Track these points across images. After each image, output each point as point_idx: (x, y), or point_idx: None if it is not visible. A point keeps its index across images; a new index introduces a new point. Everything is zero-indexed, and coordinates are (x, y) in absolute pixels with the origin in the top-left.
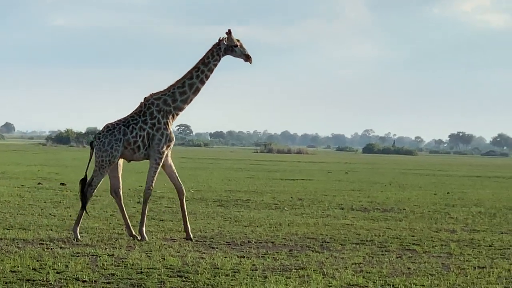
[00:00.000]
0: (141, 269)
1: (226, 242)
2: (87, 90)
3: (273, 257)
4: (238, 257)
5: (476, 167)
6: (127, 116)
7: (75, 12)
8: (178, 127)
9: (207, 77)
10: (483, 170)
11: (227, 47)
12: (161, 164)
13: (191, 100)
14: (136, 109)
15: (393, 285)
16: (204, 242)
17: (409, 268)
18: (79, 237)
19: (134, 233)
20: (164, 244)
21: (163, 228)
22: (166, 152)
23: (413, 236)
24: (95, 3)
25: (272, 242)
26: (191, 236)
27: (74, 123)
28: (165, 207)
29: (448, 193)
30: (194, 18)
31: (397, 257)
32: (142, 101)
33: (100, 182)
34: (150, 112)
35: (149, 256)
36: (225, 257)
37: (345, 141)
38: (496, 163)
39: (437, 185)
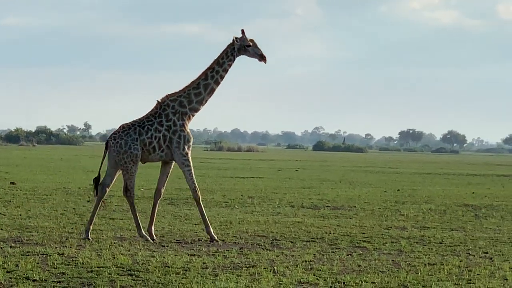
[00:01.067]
0: (91, 267)
1: (177, 240)
2: (36, 89)
3: (224, 255)
4: (188, 255)
5: (426, 164)
6: (143, 117)
7: (23, 10)
8: None
9: (222, 78)
10: (433, 167)
11: (241, 47)
12: (191, 164)
13: (207, 101)
14: (151, 110)
15: (343, 283)
16: (155, 241)
17: (359, 266)
18: (146, 237)
19: (144, 233)
20: (114, 243)
21: (113, 226)
22: (189, 152)
23: (363, 233)
24: (42, 2)
25: (223, 240)
26: (154, 236)
27: (23, 122)
28: (116, 205)
29: (398, 190)
30: (144, 17)
31: (348, 255)
32: (158, 102)
33: (134, 181)
34: (165, 114)
35: (99, 254)
36: (175, 256)
37: (295, 138)
38: (446, 160)
39: (387, 182)
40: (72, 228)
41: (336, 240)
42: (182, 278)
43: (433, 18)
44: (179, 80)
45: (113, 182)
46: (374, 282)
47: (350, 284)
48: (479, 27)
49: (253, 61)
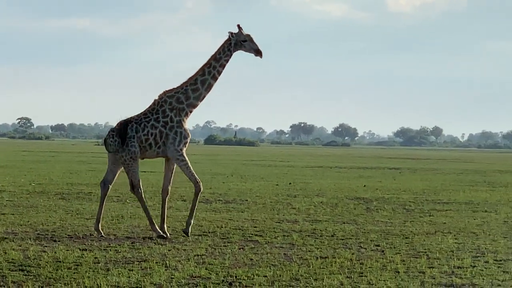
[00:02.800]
0: None
1: (68, 235)
2: None
3: (115, 250)
4: (80, 250)
5: (318, 157)
6: (140, 113)
7: None
8: (19, 120)
9: (219, 73)
10: (325, 160)
11: (237, 42)
12: (187, 159)
13: (204, 96)
14: (149, 107)
15: (235, 276)
16: (46, 235)
17: (251, 259)
18: (160, 233)
19: (157, 228)
20: (5, 238)
21: (4, 221)
22: (184, 149)
23: (255, 227)
24: None
25: (114, 235)
26: (166, 233)
27: None
28: (7, 200)
29: (290, 183)
30: (32, 11)
31: (240, 248)
32: (156, 98)
33: (139, 177)
34: (162, 110)
35: None
36: (67, 250)
37: None
38: (337, 153)
39: (279, 175)
40: None
41: (228, 234)
42: (74, 273)
43: (322, 11)
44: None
45: (115, 178)
46: (266, 276)
47: (242, 277)
48: (368, 19)
49: (143, 55)
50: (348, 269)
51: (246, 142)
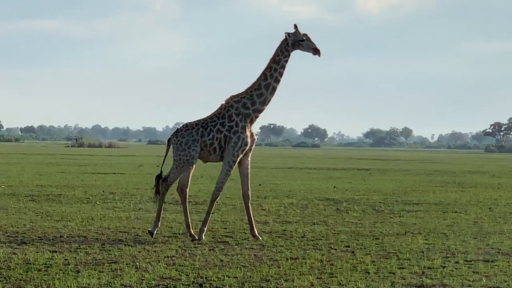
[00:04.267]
0: None
1: (38, 237)
2: None
3: (86, 252)
4: (50, 252)
5: (288, 158)
6: (207, 117)
7: None
8: None
9: (280, 75)
10: (295, 161)
11: (294, 41)
12: (234, 167)
13: (269, 101)
14: (215, 111)
15: (206, 278)
16: (16, 238)
17: (221, 261)
18: (154, 233)
19: (192, 233)
20: None
21: None
22: (240, 156)
23: (225, 228)
24: None
25: (85, 237)
26: (257, 234)
27: None
28: None
29: (260, 185)
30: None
31: (210, 250)
32: (222, 103)
33: (176, 180)
34: (229, 114)
35: None
36: (37, 252)
37: (157, 134)
38: (307, 154)
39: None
40: None
41: (198, 235)
42: (44, 274)
43: (291, 12)
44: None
45: (190, 180)
46: (237, 277)
47: (212, 279)
48: (337, 21)
49: (113, 55)
50: (318, 270)
51: None
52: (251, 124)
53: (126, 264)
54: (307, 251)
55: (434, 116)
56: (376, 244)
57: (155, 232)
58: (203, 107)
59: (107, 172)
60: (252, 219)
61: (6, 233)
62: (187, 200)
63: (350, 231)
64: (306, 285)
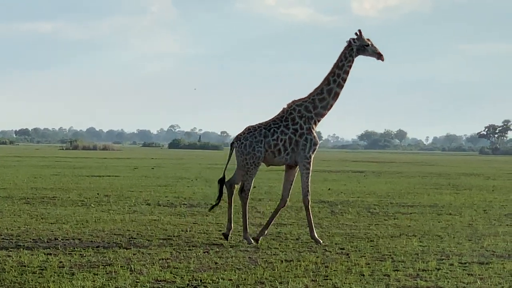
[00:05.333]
0: None
1: (33, 239)
2: None
3: (80, 254)
4: (45, 254)
5: None
6: (269, 120)
7: None
8: None
9: (344, 80)
10: None
11: (359, 47)
12: (311, 168)
13: (332, 105)
14: (277, 115)
15: (200, 280)
16: (11, 240)
17: (216, 263)
18: (252, 241)
19: (248, 236)
20: None
21: None
22: (313, 156)
23: (220, 230)
24: None
25: (79, 239)
26: (319, 240)
27: None
28: None
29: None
30: None
31: (204, 252)
32: (285, 107)
33: (251, 184)
34: (292, 117)
35: None
36: (32, 255)
37: (151, 137)
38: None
39: None
40: None
41: (192, 237)
42: (39, 277)
43: (288, 14)
44: (35, 78)
45: (252, 182)
46: (231, 279)
47: (207, 281)
48: (333, 23)
49: (109, 58)
50: (313, 272)
51: (210, 146)
52: (315, 126)
53: (120, 266)
54: (301, 254)
55: (429, 119)
56: (371, 246)
57: (229, 235)
58: (198, 110)
59: (101, 174)
60: (272, 222)
61: (1, 235)
62: (233, 196)
63: (344, 233)
64: (301, 287)
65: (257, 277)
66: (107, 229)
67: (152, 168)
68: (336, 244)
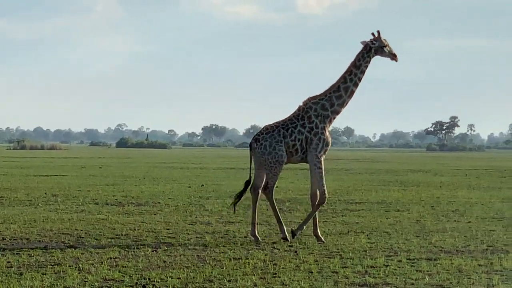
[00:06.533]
0: None
1: None
2: None
3: (28, 254)
4: None
5: (230, 159)
6: (285, 119)
7: None
8: None
9: (360, 79)
10: (237, 162)
11: (377, 48)
12: (323, 167)
13: (347, 103)
14: (294, 113)
15: (149, 279)
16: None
17: (164, 261)
18: (259, 239)
19: (256, 234)
20: None
21: None
22: (323, 156)
23: (168, 229)
24: None
25: (27, 239)
26: (321, 238)
27: None
28: None
29: (202, 185)
30: None
31: (153, 251)
32: (301, 105)
33: (276, 182)
34: (308, 116)
35: None
36: None
37: (99, 136)
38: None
39: (191, 178)
40: None
41: (141, 236)
42: None
43: (233, 13)
44: None
45: (264, 182)
46: (180, 278)
47: (155, 280)
48: (278, 21)
49: (54, 57)
50: (261, 270)
51: (158, 144)
52: (329, 125)
53: (69, 266)
54: (250, 251)
55: (376, 116)
56: (319, 243)
57: (286, 233)
58: (145, 109)
59: (49, 174)
60: (317, 221)
61: None
62: (258, 201)
63: None
64: (249, 285)
65: (206, 275)
66: (55, 229)
67: (100, 167)
68: (284, 241)
